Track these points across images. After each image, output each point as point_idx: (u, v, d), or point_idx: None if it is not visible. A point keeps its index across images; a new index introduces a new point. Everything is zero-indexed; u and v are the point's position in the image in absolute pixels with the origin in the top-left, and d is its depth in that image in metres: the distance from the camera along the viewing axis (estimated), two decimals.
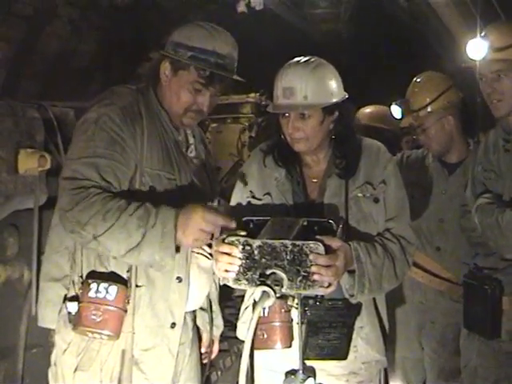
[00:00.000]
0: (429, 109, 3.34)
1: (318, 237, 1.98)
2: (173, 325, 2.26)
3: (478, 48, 2.69)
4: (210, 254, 2.31)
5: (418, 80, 3.47)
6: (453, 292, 3.29)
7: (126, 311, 2.17)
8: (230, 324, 2.94)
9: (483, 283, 2.69)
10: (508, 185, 2.64)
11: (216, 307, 2.56)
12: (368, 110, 4.52)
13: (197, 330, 2.50)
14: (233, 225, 2.03)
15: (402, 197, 2.37)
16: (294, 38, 6.60)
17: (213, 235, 2.07)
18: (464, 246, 3.15)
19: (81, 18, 5.63)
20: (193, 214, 2.03)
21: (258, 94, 5.67)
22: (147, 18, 6.09)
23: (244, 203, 2.39)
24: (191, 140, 2.44)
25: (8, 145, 2.78)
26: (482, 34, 2.72)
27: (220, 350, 2.76)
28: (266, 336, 2.18)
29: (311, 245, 1.92)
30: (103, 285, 2.14)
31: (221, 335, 2.67)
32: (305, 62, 2.29)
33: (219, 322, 2.58)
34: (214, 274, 2.37)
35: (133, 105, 2.23)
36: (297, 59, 2.32)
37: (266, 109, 2.37)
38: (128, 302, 2.17)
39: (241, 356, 1.79)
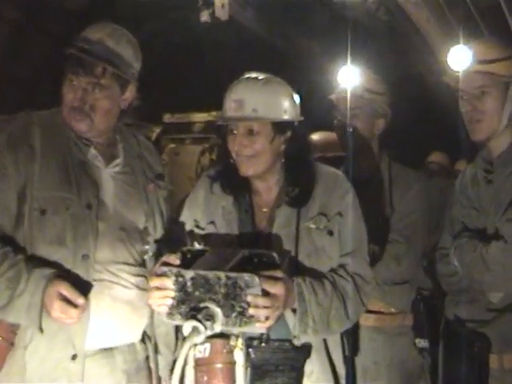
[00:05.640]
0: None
1: (261, 272, 1.93)
2: (74, 356, 2.20)
3: (460, 56, 2.53)
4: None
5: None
6: (387, 325, 3.04)
7: (12, 344, 2.16)
8: None
9: (469, 340, 2.50)
10: (491, 218, 2.50)
11: (162, 347, 2.40)
12: (316, 137, 3.78)
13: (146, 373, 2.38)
14: (81, 300, 2.09)
15: (359, 231, 2.30)
16: (265, 52, 6.37)
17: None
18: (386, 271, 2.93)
19: (27, 21, 5.43)
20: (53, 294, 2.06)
21: (220, 113, 5.39)
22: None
23: (188, 232, 2.32)
24: (119, 154, 2.39)
25: None
26: (467, 46, 2.57)
27: None
28: (206, 378, 2.10)
29: (246, 277, 1.89)
30: None
31: None
32: (256, 76, 2.28)
33: (166, 361, 2.41)
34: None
35: (22, 129, 2.26)
36: (249, 74, 2.30)
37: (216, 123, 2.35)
38: (14, 334, 2.16)
39: None
